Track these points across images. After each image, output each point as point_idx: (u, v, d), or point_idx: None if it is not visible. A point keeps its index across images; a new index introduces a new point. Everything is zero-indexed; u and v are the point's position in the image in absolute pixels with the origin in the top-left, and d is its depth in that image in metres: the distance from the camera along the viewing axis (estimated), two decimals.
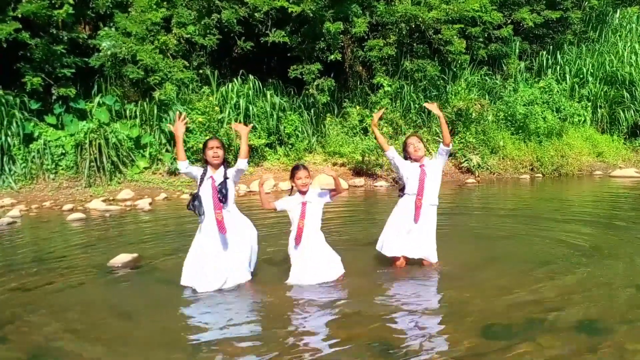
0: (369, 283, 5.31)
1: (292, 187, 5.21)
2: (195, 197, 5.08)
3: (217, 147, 5.11)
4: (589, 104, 15.36)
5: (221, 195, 5.03)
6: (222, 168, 5.14)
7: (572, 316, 4.38)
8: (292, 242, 5.15)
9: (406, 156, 5.69)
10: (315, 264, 5.12)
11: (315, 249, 5.16)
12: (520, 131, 13.99)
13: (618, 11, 18.05)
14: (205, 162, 5.21)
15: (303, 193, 5.13)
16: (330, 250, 5.26)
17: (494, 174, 13.03)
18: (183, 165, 5.10)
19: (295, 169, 5.16)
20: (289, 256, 5.25)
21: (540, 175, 13.09)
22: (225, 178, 5.08)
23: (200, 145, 11.18)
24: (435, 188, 5.60)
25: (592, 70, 15.82)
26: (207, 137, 5.27)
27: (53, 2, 10.97)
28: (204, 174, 5.11)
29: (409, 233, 5.55)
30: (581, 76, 15.82)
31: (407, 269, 5.56)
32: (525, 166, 13.39)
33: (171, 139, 11.91)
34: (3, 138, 10.75)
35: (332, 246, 5.34)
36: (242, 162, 5.11)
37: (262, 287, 5.19)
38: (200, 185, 5.08)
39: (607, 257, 6.06)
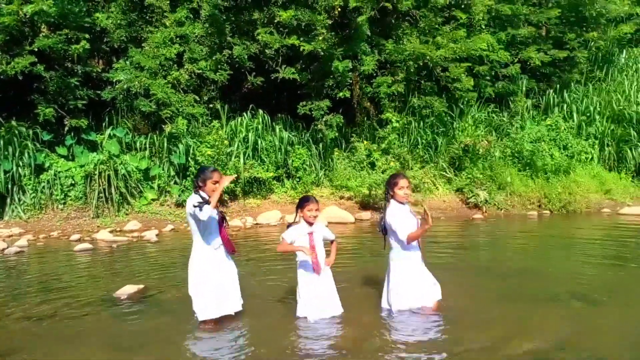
0: (373, 319, 5.27)
1: (298, 216, 5.12)
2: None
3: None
4: (596, 141, 15.37)
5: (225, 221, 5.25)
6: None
7: (580, 356, 4.33)
8: (308, 274, 5.05)
9: (391, 196, 5.16)
10: (328, 296, 5.12)
11: (328, 280, 5.15)
12: (527, 168, 14.00)
13: (624, 51, 18.22)
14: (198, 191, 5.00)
15: (311, 224, 5.11)
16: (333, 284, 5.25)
17: (501, 209, 12.98)
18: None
19: (305, 200, 5.10)
20: (299, 288, 5.15)
21: (548, 211, 13.02)
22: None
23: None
24: None
25: (599, 109, 15.87)
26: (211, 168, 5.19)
27: (69, 37, 11.25)
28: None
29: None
30: (588, 114, 15.87)
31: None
32: (533, 202, 13.32)
33: (179, 171, 12.02)
34: (14, 168, 10.89)
35: (335, 280, 5.29)
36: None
37: (268, 321, 5.16)
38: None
39: (616, 296, 6.00)
